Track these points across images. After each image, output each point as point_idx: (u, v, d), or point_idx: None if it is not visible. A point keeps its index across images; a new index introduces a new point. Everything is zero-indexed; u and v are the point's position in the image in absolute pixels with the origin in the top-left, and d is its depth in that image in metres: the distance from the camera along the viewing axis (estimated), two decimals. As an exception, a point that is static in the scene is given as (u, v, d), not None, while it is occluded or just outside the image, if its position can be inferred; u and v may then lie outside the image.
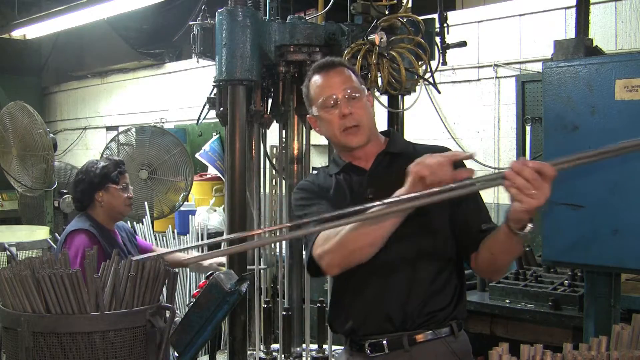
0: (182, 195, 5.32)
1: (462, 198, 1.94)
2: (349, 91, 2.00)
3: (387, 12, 2.85)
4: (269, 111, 2.93)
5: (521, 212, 1.63)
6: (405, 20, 2.84)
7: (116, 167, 3.09)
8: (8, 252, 4.13)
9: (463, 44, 3.10)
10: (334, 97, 2.00)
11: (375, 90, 2.81)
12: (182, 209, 5.49)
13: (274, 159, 3.17)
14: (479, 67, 5.06)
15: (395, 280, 1.97)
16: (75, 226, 2.99)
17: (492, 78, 4.97)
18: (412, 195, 1.69)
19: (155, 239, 5.11)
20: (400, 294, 1.96)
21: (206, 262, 3.21)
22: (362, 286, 2.00)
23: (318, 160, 5.75)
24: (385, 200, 1.72)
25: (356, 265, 1.98)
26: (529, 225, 1.68)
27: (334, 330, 2.17)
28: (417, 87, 2.96)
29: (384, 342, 1.96)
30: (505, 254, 1.86)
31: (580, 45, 2.50)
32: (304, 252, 2.32)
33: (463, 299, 2.05)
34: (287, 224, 2.13)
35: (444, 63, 3.02)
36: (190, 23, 2.88)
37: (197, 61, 2.97)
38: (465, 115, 5.12)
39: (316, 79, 2.05)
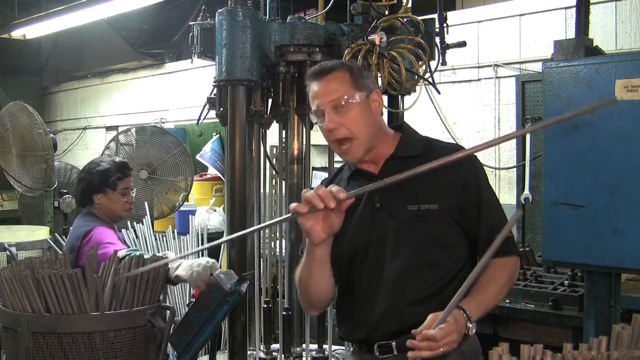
0: (182, 195, 5.32)
1: (468, 203, 1.93)
2: (334, 103, 1.92)
3: (387, 12, 2.85)
4: (269, 111, 2.93)
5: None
6: (405, 20, 2.84)
7: (117, 171, 3.02)
8: (8, 252, 4.13)
9: (462, 44, 3.09)
10: (321, 108, 1.94)
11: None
12: (182, 209, 5.49)
13: (274, 159, 3.18)
14: (479, 67, 5.06)
15: (405, 291, 1.93)
16: (88, 225, 2.96)
17: (492, 78, 4.97)
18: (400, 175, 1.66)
19: (156, 239, 5.11)
20: (411, 305, 1.92)
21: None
22: (371, 298, 1.97)
23: (318, 160, 5.75)
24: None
25: (362, 276, 1.98)
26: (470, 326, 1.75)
27: (342, 338, 2.16)
28: (417, 87, 2.96)
29: (393, 344, 1.94)
30: None
31: (580, 45, 2.50)
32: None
33: None
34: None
35: (444, 63, 3.02)
36: (190, 23, 2.88)
37: (191, 62, 2.96)
38: (465, 115, 5.12)
39: (310, 85, 2.00)
